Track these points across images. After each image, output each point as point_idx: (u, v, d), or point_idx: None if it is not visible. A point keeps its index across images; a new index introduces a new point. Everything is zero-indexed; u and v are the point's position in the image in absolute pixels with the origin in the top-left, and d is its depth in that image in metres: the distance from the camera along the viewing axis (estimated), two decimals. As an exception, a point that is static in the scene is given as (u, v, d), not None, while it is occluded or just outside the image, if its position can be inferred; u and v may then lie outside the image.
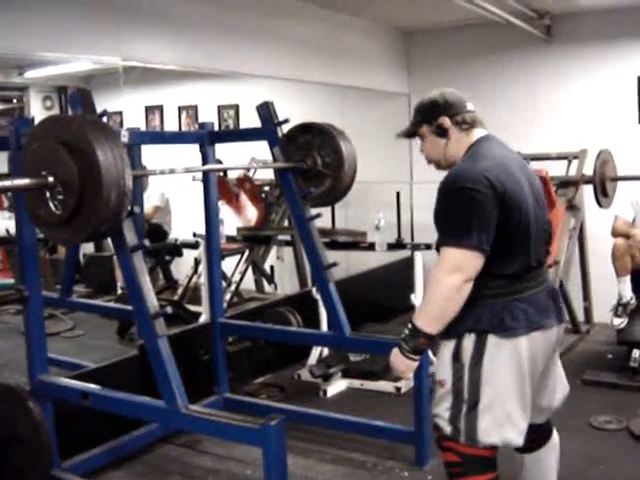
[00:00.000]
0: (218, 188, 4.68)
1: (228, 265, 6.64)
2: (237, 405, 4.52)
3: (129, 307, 4.47)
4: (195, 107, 8.80)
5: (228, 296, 6.70)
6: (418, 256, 5.31)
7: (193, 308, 6.66)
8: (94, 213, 2.72)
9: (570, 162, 6.26)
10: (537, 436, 2.92)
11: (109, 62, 4.78)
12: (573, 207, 5.99)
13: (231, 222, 6.44)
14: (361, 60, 6.57)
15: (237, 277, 7.18)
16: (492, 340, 2.57)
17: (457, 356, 2.63)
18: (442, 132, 2.76)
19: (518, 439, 2.63)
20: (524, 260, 2.63)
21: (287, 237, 7.16)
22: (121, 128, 5.70)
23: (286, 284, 7.50)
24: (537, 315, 2.62)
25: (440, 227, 2.62)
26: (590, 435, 4.30)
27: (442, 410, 2.66)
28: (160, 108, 9.16)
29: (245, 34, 5.29)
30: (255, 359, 5.34)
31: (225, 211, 5.69)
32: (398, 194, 5.63)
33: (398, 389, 5.03)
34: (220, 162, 5.51)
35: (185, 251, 6.93)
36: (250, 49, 5.34)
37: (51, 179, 2.76)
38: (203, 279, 6.20)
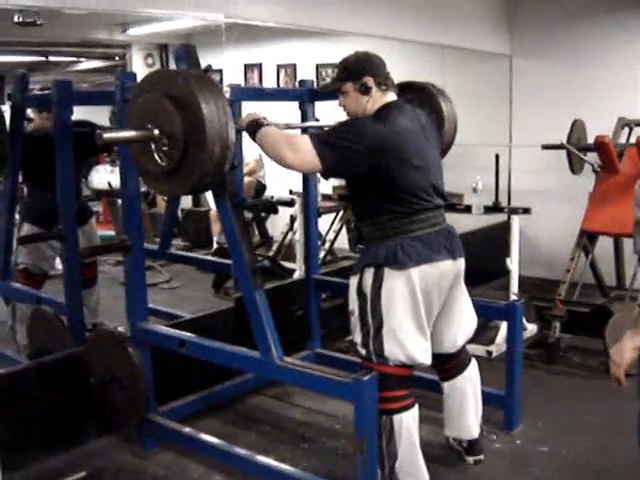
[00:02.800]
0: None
1: (322, 224, 6.68)
2: (329, 360, 4.57)
3: (225, 261, 4.59)
4: (294, 65, 8.81)
5: (322, 254, 6.76)
6: (515, 220, 5.22)
7: (287, 265, 6.75)
8: (198, 165, 2.78)
9: (677, 128, 6.05)
10: (452, 365, 3.42)
11: (212, 19, 4.83)
12: (678, 175, 5.80)
13: (327, 180, 6.45)
14: (462, 19, 6.43)
15: (331, 236, 7.23)
16: (387, 272, 3.00)
17: (360, 289, 3.08)
18: (366, 90, 3.12)
19: (422, 355, 3.07)
20: (414, 205, 3.04)
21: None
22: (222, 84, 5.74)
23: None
24: (427, 251, 3.04)
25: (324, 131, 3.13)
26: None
27: (356, 336, 3.13)
28: (259, 66, 9.21)
29: (346, -9, 5.25)
30: (347, 316, 5.37)
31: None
32: (497, 156, 5.54)
33: (489, 353, 4.99)
34: (318, 121, 5.53)
35: (280, 208, 6.99)
36: (350, 7, 5.29)
37: (157, 131, 2.84)
38: (298, 236, 6.27)
